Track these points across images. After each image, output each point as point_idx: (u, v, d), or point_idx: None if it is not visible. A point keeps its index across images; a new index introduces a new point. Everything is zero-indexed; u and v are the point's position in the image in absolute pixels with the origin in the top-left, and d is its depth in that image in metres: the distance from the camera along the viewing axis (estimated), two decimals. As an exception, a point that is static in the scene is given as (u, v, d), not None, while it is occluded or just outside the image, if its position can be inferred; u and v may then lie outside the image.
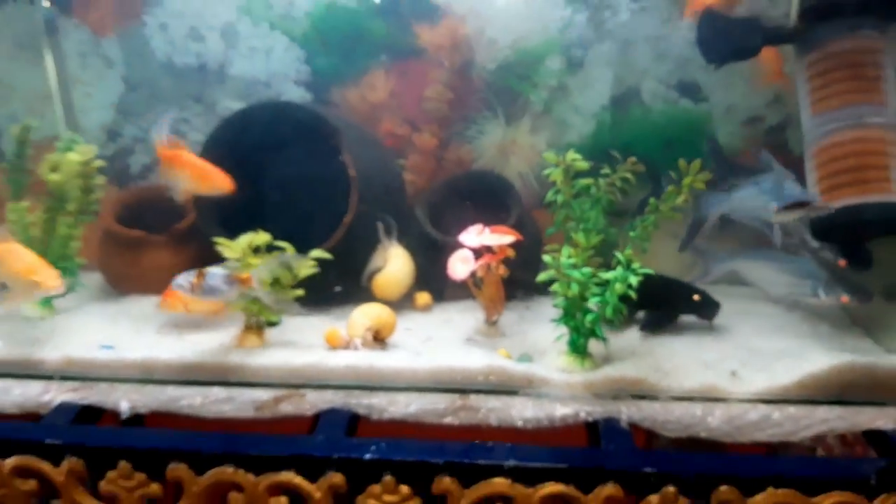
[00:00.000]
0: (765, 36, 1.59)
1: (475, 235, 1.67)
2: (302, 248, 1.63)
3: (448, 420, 1.46)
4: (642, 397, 1.47)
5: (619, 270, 1.45)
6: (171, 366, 1.57)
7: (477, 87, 2.29)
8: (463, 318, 1.89)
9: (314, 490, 1.33)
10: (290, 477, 1.34)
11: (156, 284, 1.84)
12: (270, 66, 2.28)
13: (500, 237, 1.65)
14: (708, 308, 1.76)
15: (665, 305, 1.76)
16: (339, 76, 2.31)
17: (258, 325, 1.65)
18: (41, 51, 2.31)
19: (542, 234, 1.99)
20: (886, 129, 1.45)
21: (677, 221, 1.89)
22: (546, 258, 1.50)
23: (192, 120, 2.35)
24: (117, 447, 1.39)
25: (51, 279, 1.61)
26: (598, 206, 1.81)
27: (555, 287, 1.50)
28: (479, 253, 1.68)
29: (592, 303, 1.48)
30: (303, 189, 1.73)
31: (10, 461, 1.43)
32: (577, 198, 1.80)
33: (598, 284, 1.47)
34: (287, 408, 1.50)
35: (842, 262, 1.60)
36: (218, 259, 1.59)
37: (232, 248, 1.57)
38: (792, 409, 1.42)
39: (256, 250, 1.59)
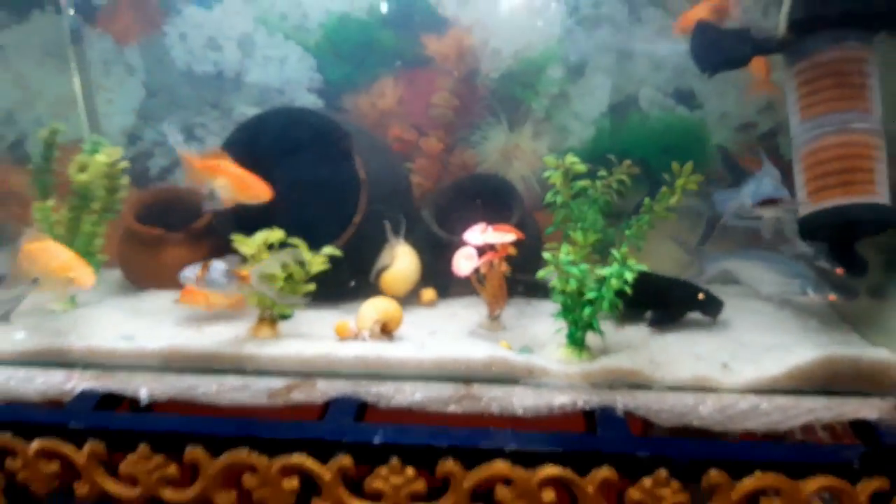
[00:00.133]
0: (755, 46, 1.60)
1: (479, 234, 1.68)
2: (314, 246, 1.65)
3: (452, 408, 1.47)
4: (637, 387, 1.48)
5: (614, 267, 1.47)
6: (189, 355, 1.59)
7: (481, 94, 2.31)
8: (467, 312, 1.90)
9: (325, 472, 1.35)
10: (301, 459, 1.36)
11: (173, 280, 1.84)
12: (284, 74, 2.31)
13: (503, 235, 1.66)
14: (712, 306, 1.77)
15: (671, 304, 1.77)
16: (351, 84, 2.33)
17: (271, 317, 1.67)
18: (67, 58, 2.33)
19: (542, 234, 2.01)
20: (870, 134, 1.46)
21: (675, 224, 1.92)
22: (546, 255, 1.52)
23: (210, 125, 2.37)
24: (137, 430, 1.42)
25: (86, 275, 1.64)
26: (595, 206, 1.83)
27: (554, 283, 1.52)
28: (482, 251, 1.70)
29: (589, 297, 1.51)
30: (315, 190, 1.75)
31: (35, 444, 1.45)
32: (575, 199, 1.82)
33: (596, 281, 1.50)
34: (299, 396, 1.51)
35: (839, 271, 1.62)
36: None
37: (247, 244, 1.59)
38: (780, 400, 1.43)
39: (270, 247, 1.61)
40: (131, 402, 1.56)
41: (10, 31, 2.37)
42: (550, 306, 1.62)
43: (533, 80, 2.27)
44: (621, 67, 2.24)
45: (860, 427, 1.42)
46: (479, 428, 1.37)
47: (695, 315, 1.79)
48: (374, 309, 1.67)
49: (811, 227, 1.53)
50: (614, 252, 1.49)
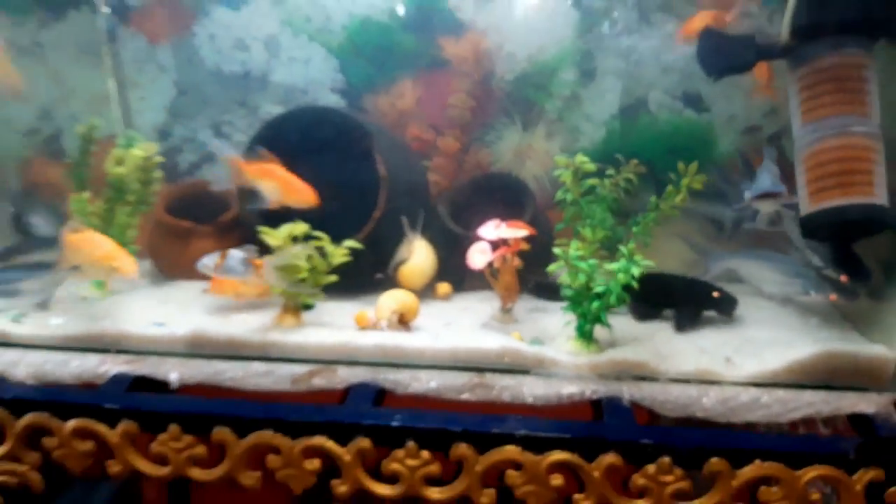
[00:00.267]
0: (758, 52, 1.61)
1: (492, 229, 1.69)
2: (336, 240, 1.67)
3: (465, 396, 1.48)
4: (643, 379, 1.49)
5: (622, 262, 1.48)
6: (216, 342, 1.60)
7: (496, 96, 2.32)
8: (480, 305, 1.91)
9: (344, 453, 1.37)
10: (322, 441, 1.38)
11: (202, 271, 1.89)
12: (308, 75, 2.32)
13: (515, 231, 1.68)
14: (727, 304, 1.77)
15: (689, 303, 1.77)
16: (371, 85, 2.34)
17: (295, 307, 1.69)
18: (101, 56, 2.36)
19: (553, 231, 2.02)
20: (869, 138, 1.47)
21: (684, 224, 1.94)
22: (556, 251, 1.53)
23: (236, 122, 2.39)
24: (168, 412, 1.44)
25: (128, 264, 1.68)
26: (603, 204, 1.85)
27: (563, 277, 1.54)
28: (495, 245, 1.71)
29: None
30: (337, 186, 1.76)
31: (71, 423, 1.47)
32: (584, 196, 1.84)
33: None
34: (320, 381, 1.52)
35: (843, 278, 1.63)
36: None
37: (274, 236, 1.61)
38: (780, 393, 1.44)
39: (295, 240, 1.63)
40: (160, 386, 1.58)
41: (48, 30, 2.39)
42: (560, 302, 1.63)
43: (546, 83, 2.28)
44: (631, 71, 2.24)
45: (858, 420, 1.43)
46: (492, 415, 1.38)
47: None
48: (392, 300, 1.68)
49: (811, 227, 1.54)
50: (622, 248, 1.50)
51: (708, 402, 1.43)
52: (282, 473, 1.41)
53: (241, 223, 1.98)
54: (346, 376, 1.53)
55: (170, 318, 1.74)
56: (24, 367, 1.60)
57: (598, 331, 1.57)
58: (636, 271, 1.47)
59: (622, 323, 1.70)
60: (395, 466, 1.37)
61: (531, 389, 1.47)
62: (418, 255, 1.96)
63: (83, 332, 1.67)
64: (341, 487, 1.39)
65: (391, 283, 1.91)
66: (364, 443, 1.37)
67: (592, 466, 1.32)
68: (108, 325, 1.67)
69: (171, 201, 2.19)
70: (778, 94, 2.07)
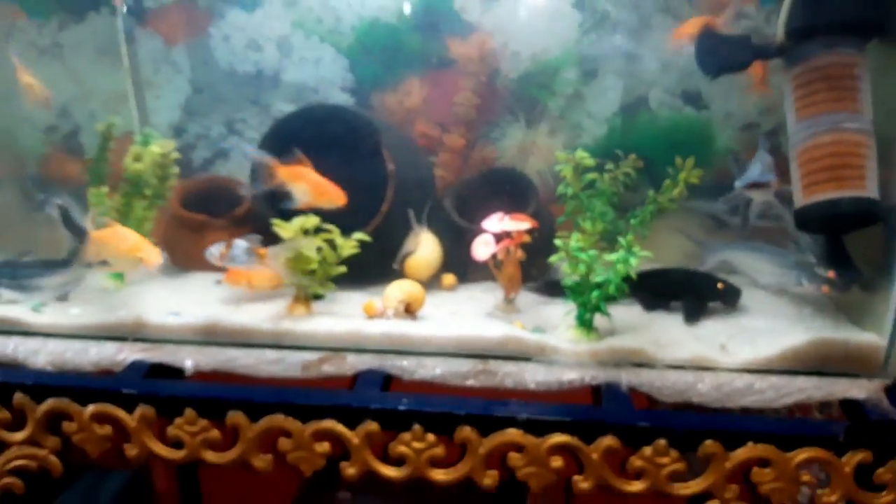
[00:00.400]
0: (754, 52, 1.62)
1: (496, 222, 1.71)
2: (345, 232, 1.69)
3: (469, 382, 1.50)
4: (641, 365, 1.51)
5: (621, 253, 1.50)
6: (230, 330, 1.62)
7: (501, 94, 2.33)
8: (484, 296, 1.92)
9: (353, 436, 1.39)
10: (332, 425, 1.40)
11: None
12: (319, 74, 2.34)
13: (518, 223, 1.69)
14: (731, 295, 1.78)
15: (694, 295, 1.78)
16: (380, 83, 2.35)
17: (306, 296, 1.71)
18: (119, 56, 2.38)
19: (555, 224, 2.03)
20: (861, 134, 1.48)
21: (684, 219, 1.97)
22: (557, 242, 1.55)
23: (249, 120, 2.41)
24: (184, 396, 1.46)
25: (153, 255, 1.69)
26: (603, 197, 1.86)
27: (564, 267, 1.56)
28: (499, 238, 1.72)
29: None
30: (346, 181, 1.78)
31: (90, 408, 1.49)
32: (584, 190, 1.85)
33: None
34: (330, 368, 1.54)
35: (830, 274, 1.64)
36: (269, 241, 1.66)
37: (286, 228, 1.63)
38: (774, 379, 1.45)
39: (306, 232, 1.65)
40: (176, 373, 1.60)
41: (68, 31, 2.41)
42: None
43: (549, 81, 2.28)
44: (632, 70, 2.25)
45: (849, 406, 1.45)
46: (495, 399, 1.40)
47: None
48: (399, 290, 1.70)
49: (804, 219, 1.56)
50: (621, 240, 1.52)
51: (703, 388, 1.44)
52: (293, 456, 1.43)
53: (254, 216, 2.00)
54: (354, 363, 1.55)
55: (185, 308, 1.76)
56: (44, 355, 1.62)
57: (598, 319, 1.59)
58: (634, 262, 1.48)
59: (623, 312, 1.71)
60: (401, 449, 1.39)
61: (533, 376, 1.48)
62: (424, 247, 1.97)
63: (102, 321, 1.69)
64: (350, 469, 1.41)
65: (398, 274, 1.93)
66: (372, 426, 1.39)
67: (591, 449, 1.34)
68: (125, 315, 1.69)
69: (186, 195, 2.21)
70: (773, 91, 2.08)
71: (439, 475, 1.39)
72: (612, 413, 1.37)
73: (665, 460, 1.33)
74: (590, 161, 1.75)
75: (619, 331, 1.61)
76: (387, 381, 1.51)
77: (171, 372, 1.59)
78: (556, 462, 1.36)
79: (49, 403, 1.51)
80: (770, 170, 1.74)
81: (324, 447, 1.42)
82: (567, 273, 1.55)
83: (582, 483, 1.36)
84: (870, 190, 1.48)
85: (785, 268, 1.77)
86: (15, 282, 1.85)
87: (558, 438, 1.34)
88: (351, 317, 1.68)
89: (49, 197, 2.02)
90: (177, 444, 1.49)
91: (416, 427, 1.37)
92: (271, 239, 1.65)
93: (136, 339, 1.67)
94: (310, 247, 1.64)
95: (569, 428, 1.35)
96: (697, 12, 2.14)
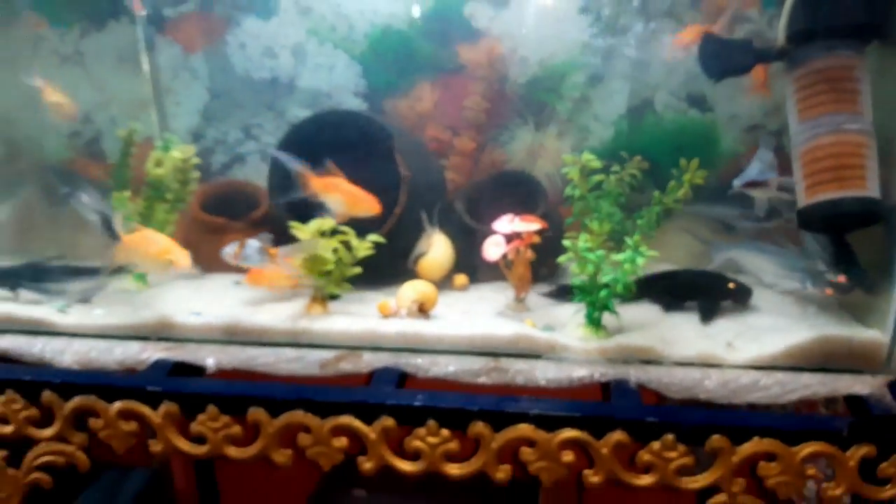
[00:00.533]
0: (756, 55, 1.63)
1: (506, 223, 1.72)
2: (360, 234, 1.70)
3: (482, 379, 1.51)
4: (649, 362, 1.52)
5: (628, 253, 1.51)
6: (250, 329, 1.64)
7: (510, 98, 2.34)
8: (495, 295, 1.93)
9: (370, 432, 1.40)
10: (350, 420, 1.41)
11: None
12: (333, 80, 2.35)
13: (528, 224, 1.70)
14: (742, 295, 1.79)
15: (707, 295, 1.78)
16: (392, 89, 2.37)
17: (323, 296, 1.72)
18: (139, 64, 2.40)
19: (564, 225, 2.05)
20: (862, 135, 1.48)
21: (692, 220, 1.97)
22: (566, 243, 1.56)
23: (265, 125, 2.43)
24: (207, 393, 1.47)
25: (183, 258, 1.71)
26: (609, 198, 1.87)
27: (573, 267, 1.57)
28: (509, 238, 1.74)
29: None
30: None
31: (116, 405, 1.51)
32: (591, 192, 1.86)
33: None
34: (347, 366, 1.55)
35: (841, 278, 1.64)
36: (286, 243, 1.68)
37: (303, 231, 1.65)
38: (779, 375, 1.45)
39: (322, 234, 1.66)
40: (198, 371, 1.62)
41: (89, 39, 2.43)
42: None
43: (557, 85, 2.29)
44: (638, 73, 2.25)
45: (853, 401, 1.45)
46: (507, 395, 1.41)
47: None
48: (412, 290, 1.71)
49: (807, 219, 1.56)
50: (628, 240, 1.53)
51: (710, 385, 1.45)
52: (312, 451, 1.44)
53: (272, 219, 2.01)
54: (370, 361, 1.56)
55: (206, 307, 1.77)
56: (70, 354, 1.64)
57: (607, 318, 1.59)
58: (641, 261, 1.49)
59: (631, 311, 1.71)
60: (416, 444, 1.40)
61: (543, 373, 1.49)
62: (437, 248, 1.98)
63: (126, 321, 1.71)
64: (367, 464, 1.43)
65: (412, 274, 1.94)
66: (388, 422, 1.40)
67: (601, 443, 1.35)
68: (148, 315, 1.70)
69: (206, 199, 2.23)
70: (774, 93, 2.09)
71: (453, 469, 1.40)
72: (621, 409, 1.38)
73: (673, 455, 1.34)
74: (596, 163, 1.76)
75: (627, 328, 1.62)
76: (402, 378, 1.52)
77: (192, 370, 1.60)
78: (568, 456, 1.37)
79: (76, 401, 1.53)
80: (770, 168, 1.75)
81: (342, 442, 1.43)
82: (576, 273, 1.56)
83: (592, 477, 1.37)
84: (871, 190, 1.49)
85: (789, 269, 1.77)
86: (43, 285, 1.87)
87: (569, 433, 1.35)
88: (367, 316, 1.69)
89: (75, 193, 2.03)
90: (199, 439, 1.50)
91: (431, 422, 1.38)
92: (290, 241, 1.67)
93: (159, 339, 1.68)
94: (325, 247, 1.65)
95: (579, 423, 1.35)
96: (702, 15, 2.14)
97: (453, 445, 1.40)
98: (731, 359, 1.51)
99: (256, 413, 1.44)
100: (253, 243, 1.69)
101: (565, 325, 1.65)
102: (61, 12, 2.43)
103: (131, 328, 1.70)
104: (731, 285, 1.78)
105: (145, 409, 1.50)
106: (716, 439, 1.32)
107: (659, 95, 2.26)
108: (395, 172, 1.93)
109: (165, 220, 2.02)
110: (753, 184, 1.74)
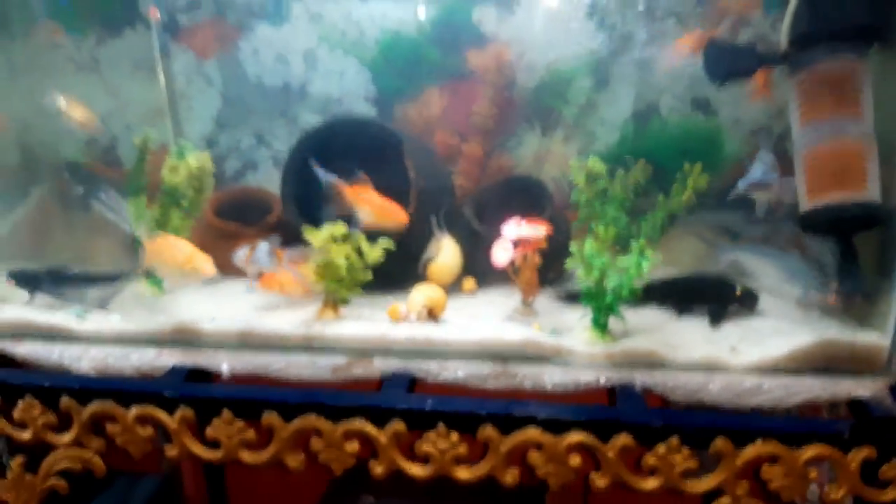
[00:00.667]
0: (760, 59, 1.64)
1: (514, 228, 1.72)
2: (370, 238, 1.70)
3: (490, 384, 1.52)
4: (654, 366, 1.52)
5: (633, 257, 1.51)
6: (263, 335, 1.65)
7: (517, 104, 2.35)
8: (503, 300, 1.94)
9: (381, 435, 1.42)
10: (361, 424, 1.42)
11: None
12: (343, 86, 2.37)
13: (536, 229, 1.71)
14: (749, 300, 1.78)
15: (716, 299, 1.78)
16: (401, 94, 2.38)
17: (334, 301, 1.73)
18: (154, 71, 2.43)
19: (570, 229, 2.06)
20: (863, 138, 1.49)
21: (698, 224, 1.99)
22: (572, 248, 1.56)
23: (277, 131, 2.45)
24: (221, 398, 1.48)
25: (207, 265, 1.73)
26: (615, 202, 1.88)
27: (579, 272, 1.57)
28: (517, 243, 1.74)
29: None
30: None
31: (133, 410, 1.52)
32: (597, 197, 1.87)
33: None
34: (358, 371, 1.56)
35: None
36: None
37: (315, 236, 1.65)
38: (782, 379, 1.46)
39: (335, 239, 1.67)
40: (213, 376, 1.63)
41: (105, 47, 2.46)
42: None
43: (563, 91, 2.31)
44: (643, 78, 2.27)
45: (855, 404, 1.45)
46: (515, 399, 1.42)
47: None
48: (421, 295, 1.72)
49: (809, 222, 1.56)
50: (633, 244, 1.53)
51: (714, 388, 1.46)
52: (324, 455, 1.45)
53: (284, 225, 2.03)
54: (381, 366, 1.56)
55: (221, 313, 1.78)
56: (87, 360, 1.65)
57: (612, 322, 1.60)
58: (646, 266, 1.50)
59: (636, 316, 1.72)
60: (427, 448, 1.41)
61: (550, 377, 1.50)
62: (446, 253, 1.99)
63: (141, 327, 1.72)
64: (378, 468, 1.44)
65: (421, 278, 1.94)
66: (399, 426, 1.41)
67: (607, 447, 1.36)
68: (164, 321, 1.71)
69: (219, 205, 2.24)
70: (777, 97, 2.09)
71: (463, 473, 1.42)
72: (626, 412, 1.39)
73: (678, 458, 1.35)
74: (600, 168, 1.76)
75: (632, 332, 1.63)
76: (412, 383, 1.53)
77: (208, 376, 1.62)
78: (574, 460, 1.38)
79: (94, 406, 1.54)
80: (773, 169, 1.75)
81: (353, 446, 1.44)
82: (581, 278, 1.57)
83: (599, 480, 1.38)
84: (872, 193, 1.49)
85: (792, 274, 1.77)
86: (60, 289, 1.89)
87: (576, 437, 1.36)
88: (377, 321, 1.70)
89: (94, 192, 2.04)
90: (214, 444, 1.51)
91: (441, 426, 1.39)
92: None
93: (175, 344, 1.69)
94: (336, 253, 1.66)
95: (585, 427, 1.36)
96: (706, 21, 2.14)
97: (463, 449, 1.41)
98: (735, 363, 1.51)
99: (270, 417, 1.46)
100: (263, 246, 1.71)
101: (572, 329, 1.65)
102: (77, 20, 2.45)
103: (147, 334, 1.71)
104: (738, 291, 1.78)
105: (162, 415, 1.52)
106: (719, 442, 1.33)
107: (664, 99, 2.26)
108: (405, 178, 1.93)
109: (181, 226, 2.03)
110: (757, 185, 1.74)
